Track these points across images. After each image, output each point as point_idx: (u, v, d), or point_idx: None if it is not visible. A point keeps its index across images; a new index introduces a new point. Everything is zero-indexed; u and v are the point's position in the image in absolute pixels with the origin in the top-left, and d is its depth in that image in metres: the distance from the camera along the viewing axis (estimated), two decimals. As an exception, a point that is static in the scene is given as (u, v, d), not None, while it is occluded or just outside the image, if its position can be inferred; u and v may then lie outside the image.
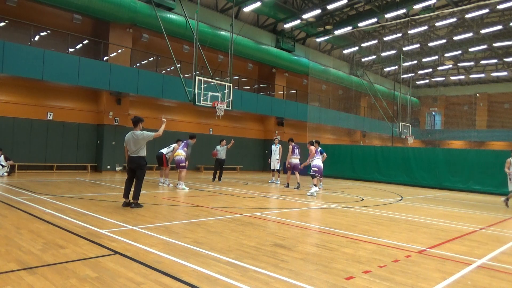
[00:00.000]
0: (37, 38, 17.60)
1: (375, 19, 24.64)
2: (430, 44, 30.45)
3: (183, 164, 11.98)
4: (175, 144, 12.59)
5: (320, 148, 12.97)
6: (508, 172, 11.03)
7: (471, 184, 16.55)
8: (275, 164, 16.13)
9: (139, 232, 5.64)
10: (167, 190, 11.60)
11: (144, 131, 7.97)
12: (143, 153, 7.94)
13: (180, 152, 12.09)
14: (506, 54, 33.50)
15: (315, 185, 11.90)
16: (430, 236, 6.44)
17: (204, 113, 22.12)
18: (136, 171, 7.91)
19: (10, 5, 16.07)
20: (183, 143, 12.39)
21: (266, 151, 25.58)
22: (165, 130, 21.32)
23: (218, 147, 15.85)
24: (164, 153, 12.45)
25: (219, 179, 15.69)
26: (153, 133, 7.98)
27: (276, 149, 16.01)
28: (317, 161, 12.18)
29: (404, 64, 32.62)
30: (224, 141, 16.09)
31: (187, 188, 11.88)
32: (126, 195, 7.87)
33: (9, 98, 16.05)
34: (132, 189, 7.88)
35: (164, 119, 8.49)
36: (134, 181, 7.95)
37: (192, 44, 18.54)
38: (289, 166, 14.51)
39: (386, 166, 19.61)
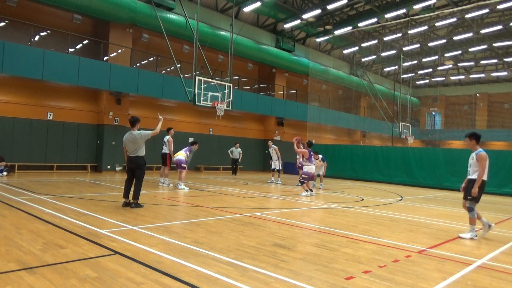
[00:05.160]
0: (37, 38, 17.59)
1: (375, 19, 24.64)
2: (430, 44, 30.45)
3: (184, 164, 11.98)
4: (168, 137, 12.45)
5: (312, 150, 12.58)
6: None
7: (471, 184, 16.52)
8: (275, 164, 16.29)
9: (139, 232, 5.64)
10: (167, 190, 11.61)
11: (141, 131, 7.98)
12: (142, 153, 7.95)
13: (182, 153, 12.11)
14: (506, 54, 33.50)
15: (306, 190, 11.72)
16: (430, 236, 6.44)
17: (204, 113, 22.11)
18: (135, 171, 7.93)
19: (10, 5, 16.06)
20: (187, 148, 12.45)
21: (266, 151, 25.57)
22: (166, 130, 21.26)
23: (233, 148, 19.51)
24: (167, 151, 12.44)
25: (235, 173, 19.72)
26: (150, 132, 7.99)
27: (272, 151, 16.33)
28: (310, 168, 11.66)
29: (404, 64, 32.61)
30: (238, 143, 19.77)
31: (187, 188, 11.89)
32: (126, 195, 7.88)
33: (9, 98, 16.04)
34: (132, 189, 7.89)
35: (161, 117, 8.52)
36: (134, 181, 7.96)
37: (192, 44, 18.54)
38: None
39: (386, 166, 19.61)
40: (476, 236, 6.40)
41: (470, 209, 6.42)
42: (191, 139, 15.89)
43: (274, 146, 16.33)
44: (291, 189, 13.82)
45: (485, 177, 6.37)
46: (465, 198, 6.52)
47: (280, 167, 16.54)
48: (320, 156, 14.74)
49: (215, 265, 4.16)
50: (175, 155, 12.16)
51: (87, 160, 18.22)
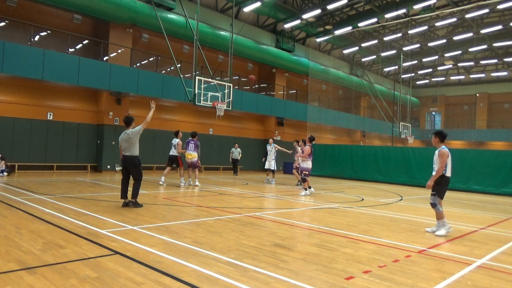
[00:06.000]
0: (37, 38, 17.59)
1: (375, 19, 24.64)
2: (430, 44, 30.46)
3: (199, 163, 12.84)
4: (178, 140, 12.88)
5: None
6: None
7: (471, 184, 16.54)
8: (271, 164, 15.91)
9: (139, 232, 5.64)
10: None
11: (134, 128, 7.96)
12: (136, 152, 7.88)
13: (194, 154, 12.63)
14: (506, 54, 33.50)
15: (306, 189, 11.82)
16: (430, 236, 6.44)
17: (204, 113, 22.11)
18: (130, 172, 7.90)
19: (10, 5, 16.06)
20: (193, 144, 12.71)
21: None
22: (166, 131, 21.24)
23: (233, 149, 19.81)
24: (176, 155, 12.79)
25: (235, 173, 20.19)
26: (141, 125, 7.92)
27: (271, 150, 15.89)
28: (308, 163, 11.89)
29: (404, 64, 32.61)
30: (237, 144, 20.19)
31: (183, 184, 12.77)
32: (123, 195, 7.88)
33: (9, 98, 16.04)
34: (130, 188, 7.87)
35: (153, 105, 8.30)
36: (132, 181, 7.94)
37: (192, 44, 18.54)
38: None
39: (386, 166, 19.60)
40: (451, 228, 6.56)
41: (433, 205, 6.59)
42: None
43: (275, 145, 16.01)
44: (291, 189, 13.81)
45: (448, 174, 6.59)
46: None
47: (275, 167, 16.04)
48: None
49: (215, 265, 4.16)
50: (189, 157, 12.64)
51: (87, 160, 18.22)
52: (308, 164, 11.86)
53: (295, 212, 8.63)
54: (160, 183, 12.77)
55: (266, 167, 16.10)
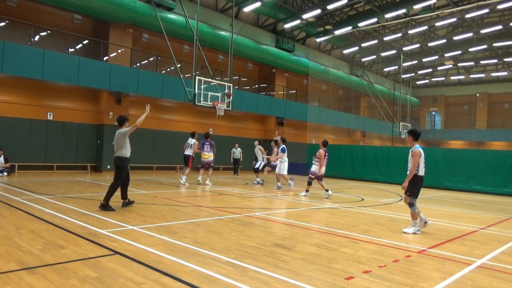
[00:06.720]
0: (37, 38, 17.60)
1: (375, 19, 24.65)
2: (430, 44, 30.46)
3: (213, 164, 13.50)
4: (194, 140, 13.35)
5: (283, 146, 13.27)
6: None
7: (471, 184, 16.54)
8: (259, 164, 15.67)
9: (139, 232, 5.64)
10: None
11: (125, 128, 7.81)
12: (122, 153, 7.67)
13: (210, 154, 13.22)
14: (506, 54, 33.52)
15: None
16: (430, 236, 6.44)
17: (204, 113, 22.11)
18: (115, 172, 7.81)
19: (10, 5, 16.07)
20: (208, 145, 13.25)
21: (266, 151, 25.49)
22: (166, 131, 21.13)
23: (234, 149, 19.84)
24: (191, 154, 13.25)
25: (236, 173, 20.24)
26: (130, 127, 7.73)
27: (257, 151, 15.84)
28: (316, 168, 11.66)
29: (404, 64, 32.61)
30: (237, 143, 20.04)
31: (210, 184, 13.47)
32: (122, 196, 7.86)
33: (9, 98, 16.04)
34: (129, 188, 7.83)
35: (147, 109, 8.08)
36: (129, 181, 7.91)
37: (192, 44, 18.54)
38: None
39: (386, 166, 19.59)
40: (419, 231, 6.58)
41: (411, 205, 6.61)
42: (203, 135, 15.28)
43: (260, 146, 15.93)
44: (291, 189, 13.80)
45: (422, 173, 6.60)
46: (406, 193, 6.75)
47: (260, 167, 15.80)
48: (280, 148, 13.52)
49: (215, 265, 4.16)
50: (205, 157, 13.19)
51: (87, 160, 18.21)
52: (316, 168, 11.57)
53: (295, 212, 8.63)
54: (181, 181, 13.15)
55: (255, 166, 15.94)
